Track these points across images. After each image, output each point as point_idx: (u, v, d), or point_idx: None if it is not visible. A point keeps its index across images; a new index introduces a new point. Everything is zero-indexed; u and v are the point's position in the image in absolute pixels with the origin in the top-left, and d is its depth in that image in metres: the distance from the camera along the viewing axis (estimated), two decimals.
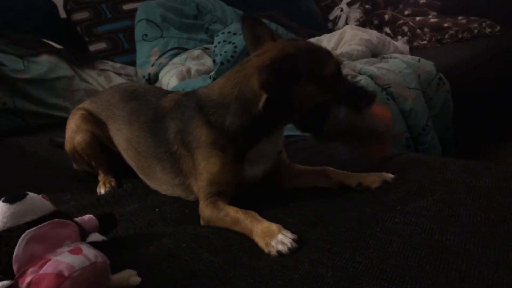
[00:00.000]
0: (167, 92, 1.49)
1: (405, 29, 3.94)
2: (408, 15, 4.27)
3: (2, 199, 0.88)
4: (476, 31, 3.77)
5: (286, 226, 1.01)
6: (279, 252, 0.94)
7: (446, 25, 3.88)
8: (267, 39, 1.22)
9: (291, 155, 1.38)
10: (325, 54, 1.17)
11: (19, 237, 0.81)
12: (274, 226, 1.00)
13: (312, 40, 3.17)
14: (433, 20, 4.06)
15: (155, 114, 1.37)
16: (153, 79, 2.87)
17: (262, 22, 1.28)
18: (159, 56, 2.97)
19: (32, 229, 0.83)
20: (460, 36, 3.76)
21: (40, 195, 0.94)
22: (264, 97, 1.08)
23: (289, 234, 0.98)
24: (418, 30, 3.92)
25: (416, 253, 0.86)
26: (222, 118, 1.17)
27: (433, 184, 1.15)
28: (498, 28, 3.76)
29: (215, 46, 2.58)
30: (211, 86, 1.27)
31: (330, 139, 1.22)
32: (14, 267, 0.80)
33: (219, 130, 1.18)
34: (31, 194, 0.90)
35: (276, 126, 1.20)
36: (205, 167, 1.19)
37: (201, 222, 1.18)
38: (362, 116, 1.16)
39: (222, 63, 2.37)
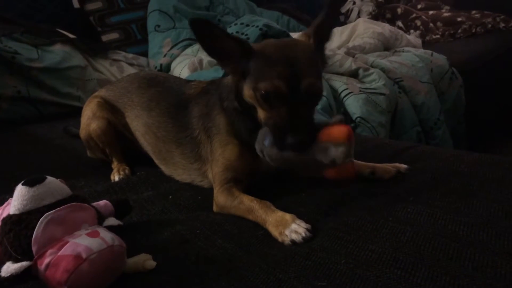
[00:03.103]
0: (189, 81, 1.51)
1: (418, 23, 3.91)
2: (421, 9, 4.25)
3: (22, 182, 0.90)
4: (489, 25, 3.74)
5: (299, 215, 1.01)
6: (292, 241, 0.95)
7: (459, 19, 3.85)
8: (311, 28, 1.17)
9: None
10: (275, 70, 1.04)
11: (39, 219, 0.83)
12: (287, 216, 1.00)
13: None
14: (446, 14, 4.03)
15: (177, 100, 1.40)
16: (165, 69, 2.89)
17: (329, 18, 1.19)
18: (171, 47, 2.98)
19: (51, 211, 0.84)
20: (473, 30, 3.74)
21: (58, 180, 0.95)
22: (232, 79, 1.17)
23: (303, 224, 0.98)
24: (431, 24, 3.90)
25: (429, 242, 0.86)
26: (230, 103, 1.22)
27: (446, 176, 1.16)
28: None
29: None
30: None
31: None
32: (33, 249, 0.82)
33: (230, 115, 1.22)
34: (49, 178, 0.92)
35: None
36: (222, 153, 1.22)
37: (214, 208, 1.19)
38: (290, 152, 1.03)
39: None
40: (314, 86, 1.05)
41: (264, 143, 1.07)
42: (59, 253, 0.80)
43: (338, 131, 1.03)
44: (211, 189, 1.24)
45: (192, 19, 1.07)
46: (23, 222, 0.85)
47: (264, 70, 1.06)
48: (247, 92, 1.11)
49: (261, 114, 1.10)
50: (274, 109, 1.05)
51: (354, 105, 2.23)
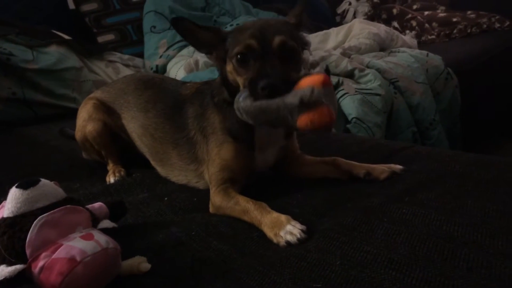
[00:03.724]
0: (184, 82, 1.52)
1: (414, 23, 3.92)
2: (416, 9, 4.26)
3: (16, 184, 0.89)
4: (485, 26, 3.75)
5: (294, 216, 1.01)
6: (288, 242, 0.95)
7: (455, 19, 3.86)
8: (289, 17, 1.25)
9: (302, 146, 1.39)
10: (246, 34, 1.10)
11: (32, 222, 0.83)
12: (283, 217, 1.00)
13: (320, 33, 3.17)
14: (441, 14, 4.04)
15: (174, 101, 1.40)
16: (160, 71, 2.88)
17: (301, 5, 1.28)
18: (167, 48, 2.98)
19: (45, 214, 0.84)
20: (468, 31, 3.74)
21: (52, 182, 0.95)
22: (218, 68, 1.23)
23: (298, 225, 0.98)
24: (427, 25, 3.90)
25: (424, 243, 0.86)
26: (220, 96, 1.24)
27: (441, 176, 1.16)
28: (508, 23, 3.74)
29: None
30: None
31: (245, 120, 1.10)
32: (27, 252, 0.82)
33: (221, 109, 1.23)
34: (43, 181, 0.92)
35: None
36: (218, 153, 1.22)
37: (210, 209, 1.19)
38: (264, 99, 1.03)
39: None
40: (287, 43, 1.08)
41: (239, 100, 1.07)
42: (53, 256, 0.80)
43: (313, 77, 1.01)
44: (206, 191, 1.24)
45: (172, 18, 1.17)
46: (17, 225, 0.85)
47: (237, 38, 1.12)
48: (228, 67, 1.15)
49: (239, 81, 1.13)
50: (248, 70, 1.09)
51: (350, 106, 2.23)
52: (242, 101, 1.06)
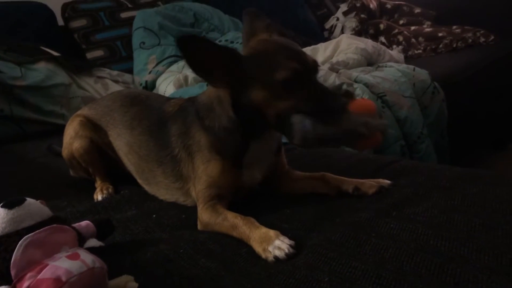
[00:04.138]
0: (169, 98, 1.51)
1: (400, 38, 3.97)
2: (403, 25, 4.31)
3: (1, 204, 0.88)
4: (470, 40, 3.80)
5: (283, 232, 1.01)
6: (276, 257, 0.95)
7: (440, 34, 3.92)
8: (261, 33, 1.21)
9: (290, 161, 1.39)
10: (282, 57, 1.07)
11: (17, 242, 0.81)
12: (271, 232, 1.00)
13: (308, 48, 3.20)
14: (428, 29, 4.09)
15: (158, 118, 1.39)
16: (150, 86, 2.88)
17: (262, 16, 1.25)
18: (157, 64, 2.99)
19: (30, 234, 0.83)
20: (454, 45, 3.80)
21: (38, 201, 0.94)
22: (224, 94, 1.15)
23: (287, 240, 0.98)
24: (413, 39, 3.95)
25: (412, 258, 0.86)
26: (213, 123, 1.19)
27: (428, 191, 1.16)
28: (492, 37, 3.80)
29: None
30: (205, 91, 1.30)
31: (308, 147, 1.14)
32: (12, 272, 0.80)
33: (213, 134, 1.20)
34: (29, 200, 0.91)
35: (258, 130, 1.18)
36: (204, 170, 1.21)
37: (199, 226, 1.18)
38: (333, 125, 1.04)
39: None
40: (317, 63, 1.13)
41: (304, 129, 1.04)
42: (38, 277, 0.78)
43: (369, 103, 1.12)
44: (195, 208, 1.24)
45: (179, 36, 1.04)
46: (1, 245, 0.83)
47: (271, 63, 1.07)
48: (257, 94, 1.08)
49: (281, 106, 1.07)
50: (297, 94, 1.06)
51: None
52: (313, 129, 1.04)
